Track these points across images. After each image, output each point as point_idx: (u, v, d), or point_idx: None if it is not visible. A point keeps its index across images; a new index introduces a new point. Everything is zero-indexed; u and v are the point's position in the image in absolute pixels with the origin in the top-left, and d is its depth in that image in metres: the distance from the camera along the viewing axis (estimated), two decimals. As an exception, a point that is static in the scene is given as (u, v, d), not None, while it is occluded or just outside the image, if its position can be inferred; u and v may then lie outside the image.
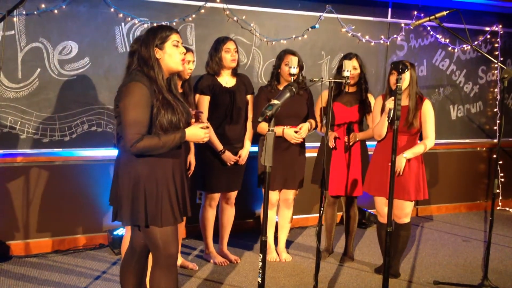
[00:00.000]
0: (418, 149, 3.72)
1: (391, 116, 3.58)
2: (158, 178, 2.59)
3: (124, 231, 3.52)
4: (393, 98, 3.57)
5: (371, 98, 4.16)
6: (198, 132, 2.64)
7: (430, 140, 3.74)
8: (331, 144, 4.09)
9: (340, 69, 4.03)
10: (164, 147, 2.54)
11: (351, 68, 3.66)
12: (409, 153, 3.70)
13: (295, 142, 4.00)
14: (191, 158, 3.84)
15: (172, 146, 2.57)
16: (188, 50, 3.67)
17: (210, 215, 4.10)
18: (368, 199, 4.97)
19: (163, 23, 4.32)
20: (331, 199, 4.24)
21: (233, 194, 4.16)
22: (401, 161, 3.69)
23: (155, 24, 4.21)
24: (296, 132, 3.97)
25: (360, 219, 5.15)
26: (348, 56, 4.06)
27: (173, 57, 2.62)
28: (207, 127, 2.68)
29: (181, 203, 2.69)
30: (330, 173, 4.13)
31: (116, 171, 2.65)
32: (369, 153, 4.21)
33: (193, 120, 2.74)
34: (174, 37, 2.63)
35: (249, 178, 4.36)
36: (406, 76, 3.68)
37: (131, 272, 2.84)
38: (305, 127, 3.98)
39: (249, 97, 4.10)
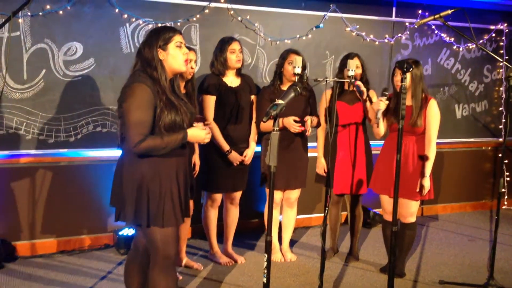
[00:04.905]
0: (430, 161, 3.71)
1: (379, 117, 3.59)
2: (161, 179, 2.60)
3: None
4: (381, 98, 3.62)
5: (373, 94, 4.14)
6: (200, 133, 2.67)
7: (433, 147, 3.72)
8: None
9: (342, 68, 4.03)
10: (166, 148, 2.56)
11: (355, 68, 3.67)
12: (428, 170, 3.71)
13: (295, 131, 3.94)
14: (196, 158, 3.84)
15: (174, 146, 2.59)
16: (190, 49, 3.66)
17: (212, 215, 4.09)
18: (373, 198, 4.97)
19: (167, 24, 4.34)
20: (335, 198, 4.22)
21: (238, 195, 4.16)
22: (427, 182, 3.70)
23: (159, 25, 4.29)
24: (296, 121, 3.93)
25: (365, 218, 5.14)
26: (350, 56, 4.05)
27: (176, 58, 2.63)
28: (209, 124, 2.69)
29: (183, 204, 2.70)
30: (335, 171, 4.12)
31: (120, 171, 2.66)
32: (373, 152, 4.20)
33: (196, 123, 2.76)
34: (177, 38, 2.64)
35: (252, 178, 4.36)
36: (407, 75, 3.66)
37: (135, 271, 2.85)
38: (309, 120, 3.94)
39: (253, 97, 4.10)
